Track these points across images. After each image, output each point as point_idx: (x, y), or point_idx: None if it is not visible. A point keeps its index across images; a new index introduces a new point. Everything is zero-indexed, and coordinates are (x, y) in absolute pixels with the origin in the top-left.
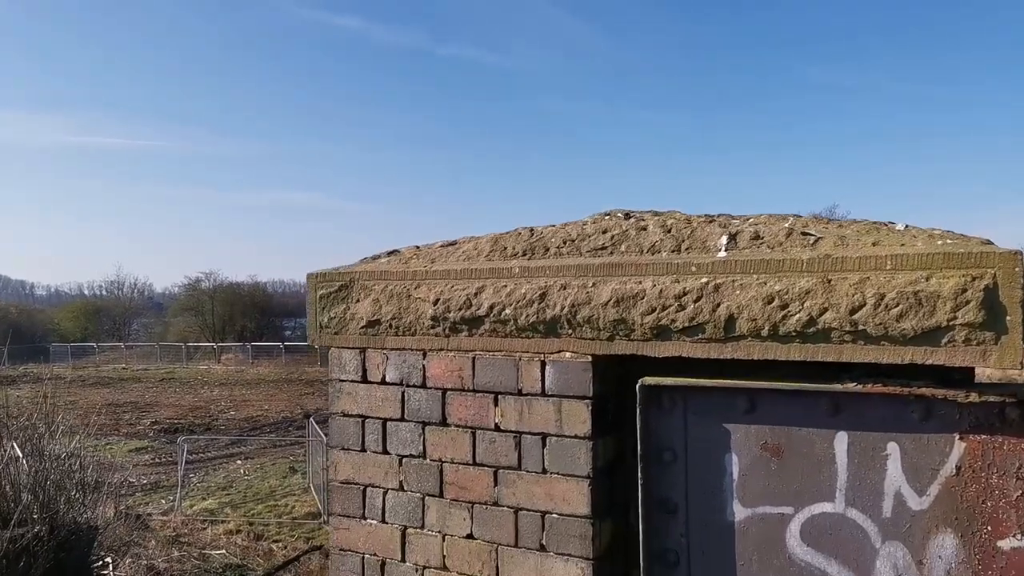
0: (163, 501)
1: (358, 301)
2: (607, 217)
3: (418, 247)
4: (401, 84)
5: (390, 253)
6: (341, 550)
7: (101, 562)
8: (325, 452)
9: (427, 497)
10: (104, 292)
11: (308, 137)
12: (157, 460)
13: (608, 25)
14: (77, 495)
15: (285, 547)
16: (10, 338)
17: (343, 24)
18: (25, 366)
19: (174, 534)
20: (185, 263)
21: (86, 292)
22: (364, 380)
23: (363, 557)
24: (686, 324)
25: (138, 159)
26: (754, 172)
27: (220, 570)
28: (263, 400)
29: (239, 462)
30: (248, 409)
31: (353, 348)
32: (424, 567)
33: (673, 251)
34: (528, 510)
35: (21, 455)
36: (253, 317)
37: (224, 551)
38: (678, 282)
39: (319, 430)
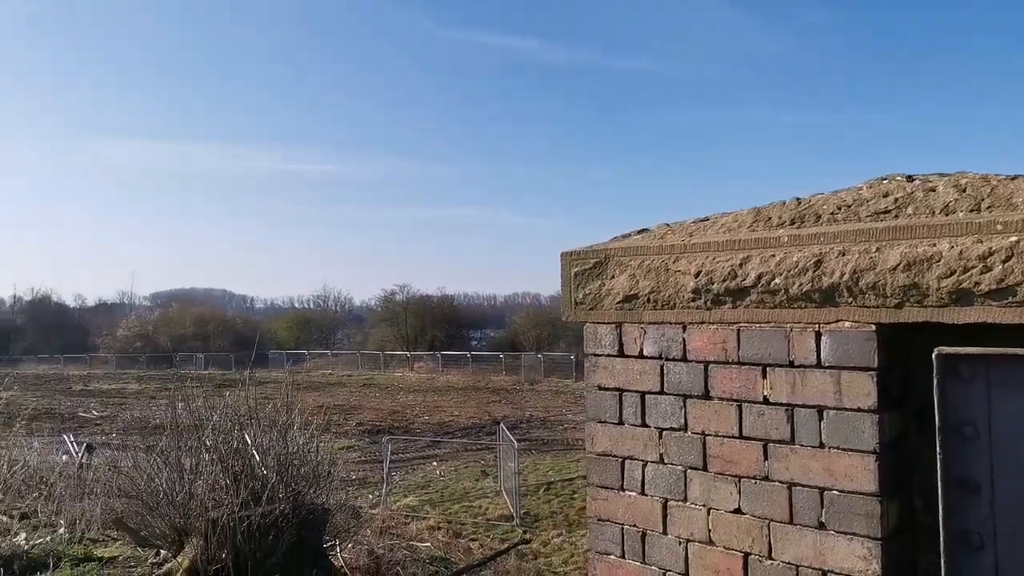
0: (370, 496)
1: (613, 277)
2: (885, 181)
3: (668, 224)
4: (572, 100)
5: (640, 231)
6: (600, 520)
7: (330, 543)
8: (516, 457)
9: (689, 470)
10: (312, 305)
11: (481, 156)
12: (363, 458)
13: (788, 27)
14: (313, 480)
15: (481, 546)
16: (237, 346)
17: (516, 46)
18: (248, 371)
19: (383, 525)
20: (380, 277)
21: (297, 305)
22: (621, 354)
23: (623, 528)
24: (993, 287)
25: (338, 182)
26: None
27: (428, 560)
28: (453, 406)
29: (434, 464)
30: (440, 414)
31: (609, 323)
32: (688, 540)
33: (971, 211)
34: (803, 486)
35: (267, 441)
36: (442, 328)
37: (428, 544)
38: (981, 242)
39: (510, 436)
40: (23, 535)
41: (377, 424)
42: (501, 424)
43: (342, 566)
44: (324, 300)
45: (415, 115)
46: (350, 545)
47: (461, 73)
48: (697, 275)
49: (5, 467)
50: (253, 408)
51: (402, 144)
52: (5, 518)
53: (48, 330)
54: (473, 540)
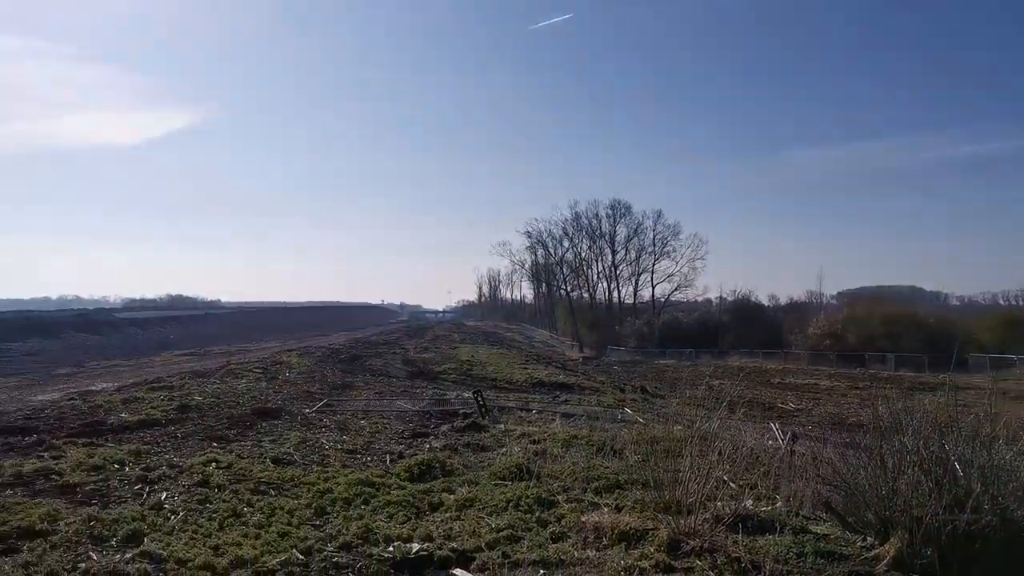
0: None
1: None
2: None
3: None
4: None
5: None
6: None
7: None
8: None
9: None
10: (1021, 302)
11: None
12: None
13: None
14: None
15: None
16: (929, 347)
17: None
18: (945, 374)
19: None
20: None
21: (1001, 302)
22: None
23: None
24: None
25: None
26: None
27: None
28: None
29: None
30: None
31: None
32: None
33: None
34: None
35: (968, 451)
36: None
37: None
38: None
39: None
40: (749, 502)
41: None
42: None
43: None
44: None
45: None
46: None
47: None
48: None
49: (730, 446)
50: (953, 416)
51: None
52: (734, 486)
53: (748, 326)
54: None
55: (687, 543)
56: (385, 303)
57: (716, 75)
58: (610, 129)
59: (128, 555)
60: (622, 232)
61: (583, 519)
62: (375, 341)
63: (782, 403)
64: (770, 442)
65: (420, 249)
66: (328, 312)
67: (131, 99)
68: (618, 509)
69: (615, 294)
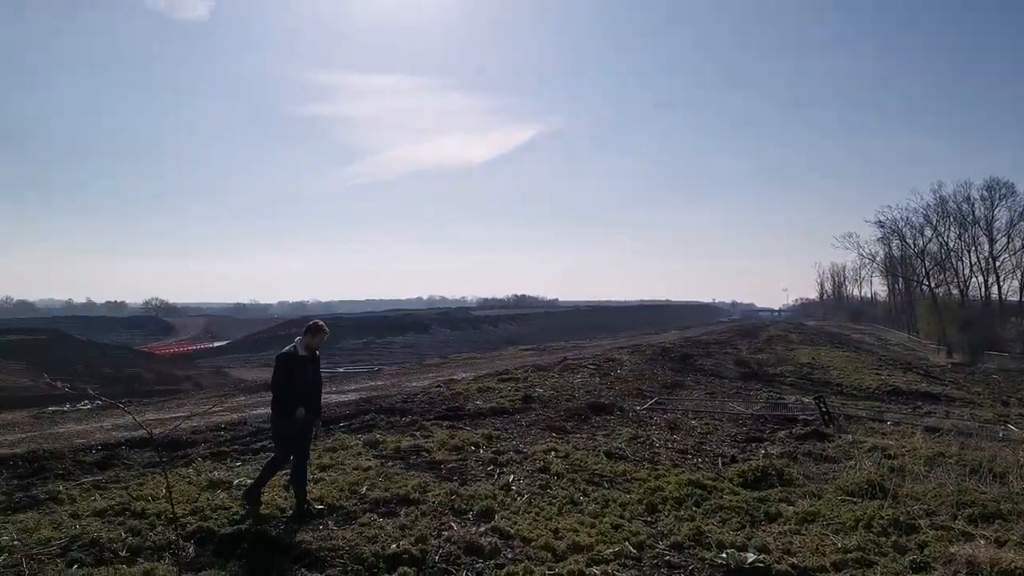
0: None
1: None
2: None
3: None
4: None
5: None
6: None
7: None
8: None
9: None
10: None
11: None
12: None
13: None
14: None
15: None
16: None
17: None
18: None
19: None
20: None
21: None
22: None
23: None
24: None
25: None
26: None
27: None
28: None
29: None
30: None
31: None
32: None
33: None
34: None
35: None
36: None
37: None
38: None
39: None
40: None
41: None
42: None
43: None
44: None
45: None
46: None
47: None
48: None
49: None
50: None
51: None
52: None
53: None
54: None
55: None
56: (715, 302)
57: None
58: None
59: (482, 528)
60: (1002, 217)
61: (952, 550)
62: (705, 340)
63: None
64: None
65: (753, 247)
66: (657, 311)
67: (486, 120)
68: (999, 543)
69: (993, 290)
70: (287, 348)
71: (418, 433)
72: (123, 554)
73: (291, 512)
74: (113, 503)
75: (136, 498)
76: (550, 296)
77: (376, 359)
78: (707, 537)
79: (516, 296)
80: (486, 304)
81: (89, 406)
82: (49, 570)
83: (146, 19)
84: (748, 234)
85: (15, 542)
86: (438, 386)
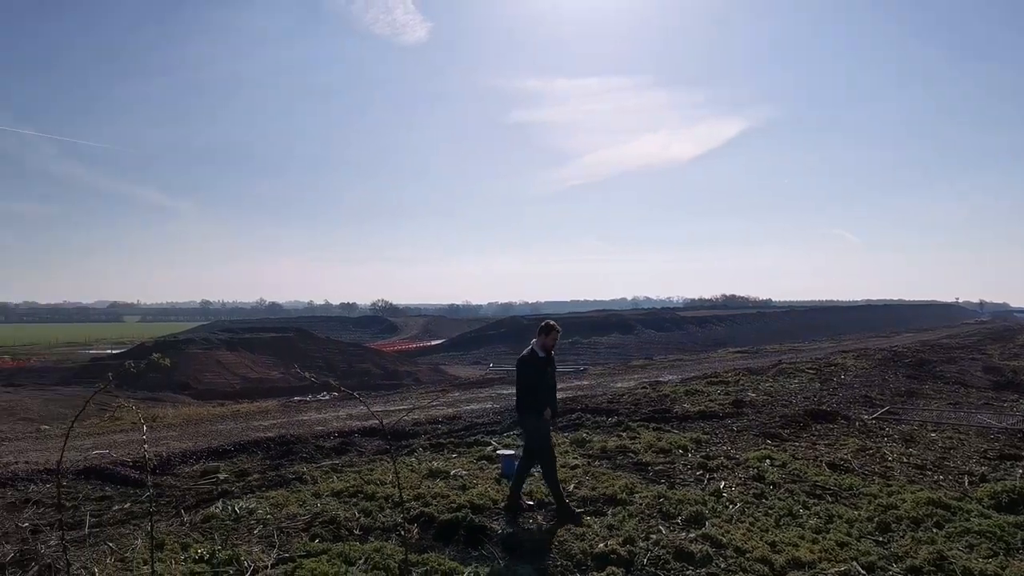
0: None
1: None
2: None
3: None
4: None
5: None
6: None
7: None
8: None
9: None
10: None
11: None
12: None
13: None
14: None
15: None
16: None
17: None
18: None
19: None
20: None
21: None
22: None
23: None
24: None
25: None
26: None
27: None
28: None
29: None
30: None
31: None
32: None
33: None
34: None
35: None
36: None
37: None
38: None
39: None
40: None
41: None
42: None
43: None
44: None
45: None
46: None
47: None
48: None
49: None
50: None
51: None
52: None
53: None
54: None
55: None
56: (960, 301)
57: None
58: None
59: (692, 534)
60: None
61: None
62: (947, 344)
63: None
64: None
65: (1008, 235)
66: (888, 311)
67: (690, 116)
68: None
69: None
70: (525, 351)
71: (624, 434)
72: (356, 532)
73: (503, 504)
74: (348, 485)
75: (367, 482)
76: (762, 296)
77: (581, 359)
78: (950, 563)
79: (725, 296)
80: (693, 304)
81: (327, 397)
82: (295, 542)
83: (374, 47)
84: (1002, 221)
85: (268, 515)
86: (644, 387)
